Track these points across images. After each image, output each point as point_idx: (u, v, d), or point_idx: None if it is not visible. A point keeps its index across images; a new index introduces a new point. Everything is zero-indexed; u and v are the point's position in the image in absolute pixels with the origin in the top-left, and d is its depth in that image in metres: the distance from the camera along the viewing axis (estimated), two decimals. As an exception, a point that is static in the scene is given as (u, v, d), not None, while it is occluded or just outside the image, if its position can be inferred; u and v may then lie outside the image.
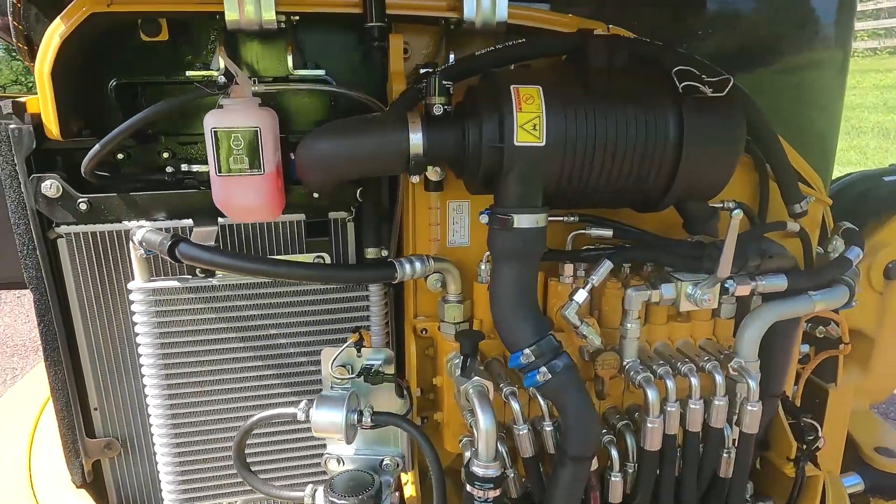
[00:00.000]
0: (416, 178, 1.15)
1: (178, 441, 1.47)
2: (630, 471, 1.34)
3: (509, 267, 1.12)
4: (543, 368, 1.10)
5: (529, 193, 1.08)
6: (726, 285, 1.29)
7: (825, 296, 1.41)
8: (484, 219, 1.11)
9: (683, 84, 1.08)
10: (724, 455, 1.38)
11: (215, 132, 1.14)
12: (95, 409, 1.52)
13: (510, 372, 1.26)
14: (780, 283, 1.34)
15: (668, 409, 1.29)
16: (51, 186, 1.31)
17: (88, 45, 1.36)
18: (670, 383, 1.28)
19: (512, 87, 1.06)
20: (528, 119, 1.04)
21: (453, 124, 1.10)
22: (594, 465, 1.27)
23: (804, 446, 1.56)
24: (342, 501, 1.21)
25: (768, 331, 1.43)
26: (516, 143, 1.04)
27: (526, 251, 1.11)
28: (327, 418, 1.20)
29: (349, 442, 1.22)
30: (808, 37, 1.91)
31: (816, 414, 2.00)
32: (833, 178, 2.77)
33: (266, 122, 1.19)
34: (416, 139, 1.08)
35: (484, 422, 1.12)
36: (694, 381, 1.30)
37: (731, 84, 1.10)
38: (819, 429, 1.55)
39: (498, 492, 1.13)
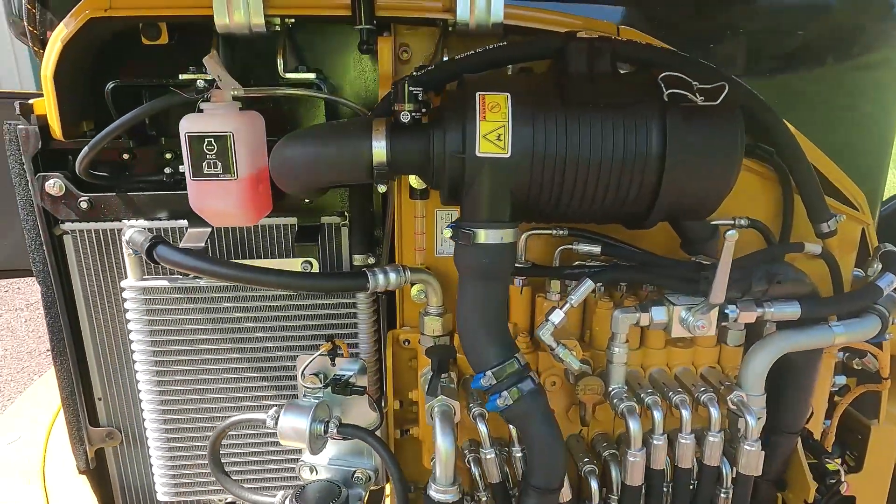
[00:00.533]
0: (382, 188, 1.11)
1: (168, 436, 1.51)
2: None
3: (474, 284, 1.07)
4: (505, 393, 1.04)
5: (495, 207, 1.02)
6: (726, 311, 1.18)
7: (850, 327, 1.27)
8: (448, 232, 1.06)
9: (669, 92, 0.99)
10: (722, 494, 1.27)
11: (188, 136, 1.14)
12: (99, 399, 1.58)
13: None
14: (791, 310, 1.21)
15: (655, 441, 1.19)
16: (54, 185, 1.37)
17: (95, 49, 1.41)
18: (657, 414, 1.18)
19: (478, 94, 1.00)
20: (493, 128, 0.98)
21: (420, 132, 1.05)
22: (567, 495, 1.19)
23: (824, 488, 1.41)
24: (307, 511, 1.20)
25: (785, 362, 1.31)
26: (478, 154, 0.98)
27: (491, 268, 1.05)
28: (292, 425, 1.19)
29: (314, 452, 1.21)
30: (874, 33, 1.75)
31: (859, 451, 1.82)
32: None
33: (243, 126, 1.19)
34: (380, 147, 1.04)
35: (442, 444, 1.07)
36: (685, 413, 1.19)
37: (725, 91, 0.99)
38: (841, 472, 1.40)
39: (456, 518, 1.09)
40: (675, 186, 1.02)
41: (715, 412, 1.19)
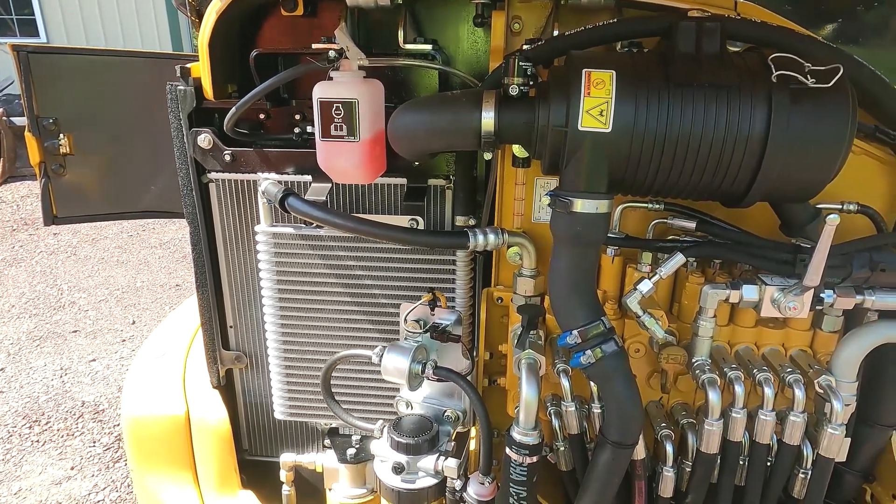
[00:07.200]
0: (488, 155, 1.20)
1: (286, 364, 1.73)
2: (687, 469, 1.31)
3: (567, 250, 1.14)
4: (589, 351, 1.12)
5: (592, 179, 1.08)
6: (822, 296, 1.18)
7: (960, 323, 1.22)
8: (547, 200, 1.14)
9: (777, 73, 0.99)
10: (801, 475, 1.29)
11: (320, 101, 1.29)
12: (231, 327, 1.83)
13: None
14: (894, 300, 1.18)
15: (734, 414, 1.23)
16: (205, 139, 1.58)
17: (241, 20, 1.59)
18: (738, 389, 1.22)
19: (584, 70, 1.05)
20: (596, 104, 1.04)
21: (526, 105, 1.13)
22: (641, 454, 1.27)
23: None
24: (402, 440, 1.35)
25: (885, 353, 1.28)
26: (580, 128, 1.04)
27: (584, 236, 1.12)
28: (394, 364, 1.33)
29: (412, 389, 1.35)
30: None
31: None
32: None
33: (366, 94, 1.31)
34: (488, 118, 1.13)
35: (526, 392, 1.17)
36: (767, 390, 1.22)
37: (839, 74, 0.98)
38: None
39: (535, 459, 1.19)
40: (775, 170, 1.03)
41: (800, 393, 1.21)
